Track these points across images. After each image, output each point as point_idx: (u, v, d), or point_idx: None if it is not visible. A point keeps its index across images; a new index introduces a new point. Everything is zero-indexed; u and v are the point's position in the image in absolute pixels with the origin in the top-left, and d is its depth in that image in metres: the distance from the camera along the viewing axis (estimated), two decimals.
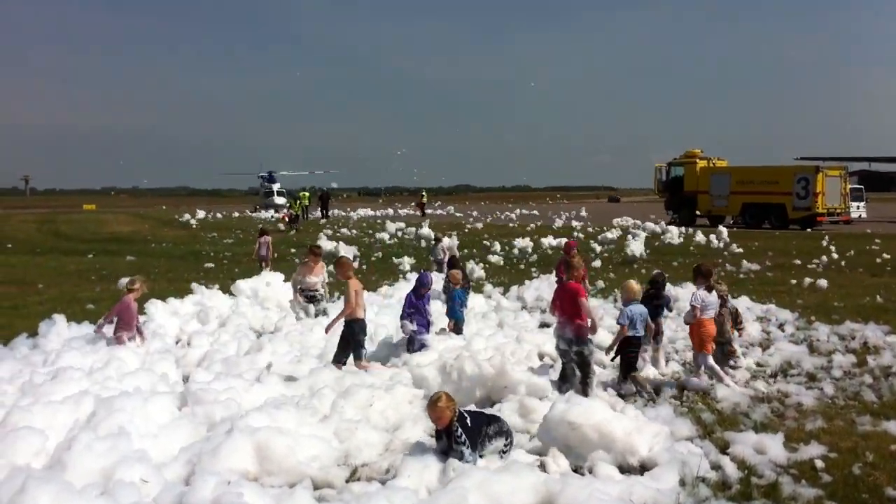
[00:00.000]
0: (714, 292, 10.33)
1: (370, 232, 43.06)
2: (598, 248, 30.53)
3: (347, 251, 26.49)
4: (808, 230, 42.21)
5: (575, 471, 7.10)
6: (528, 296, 16.69)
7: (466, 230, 42.58)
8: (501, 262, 25.62)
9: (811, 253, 27.42)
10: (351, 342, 10.41)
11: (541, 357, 11.16)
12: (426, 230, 37.16)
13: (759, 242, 32.79)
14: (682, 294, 16.07)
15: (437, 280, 17.80)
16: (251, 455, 6.87)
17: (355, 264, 18.30)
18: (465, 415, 7.14)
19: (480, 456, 7.03)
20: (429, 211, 75.98)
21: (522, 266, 24.56)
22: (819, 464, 7.13)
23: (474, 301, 15.06)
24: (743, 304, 15.10)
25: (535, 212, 72.05)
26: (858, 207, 50.47)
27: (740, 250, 29.11)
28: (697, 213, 49.64)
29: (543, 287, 16.87)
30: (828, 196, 44.43)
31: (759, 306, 15.35)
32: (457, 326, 12.35)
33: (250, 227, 53.08)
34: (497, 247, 30.12)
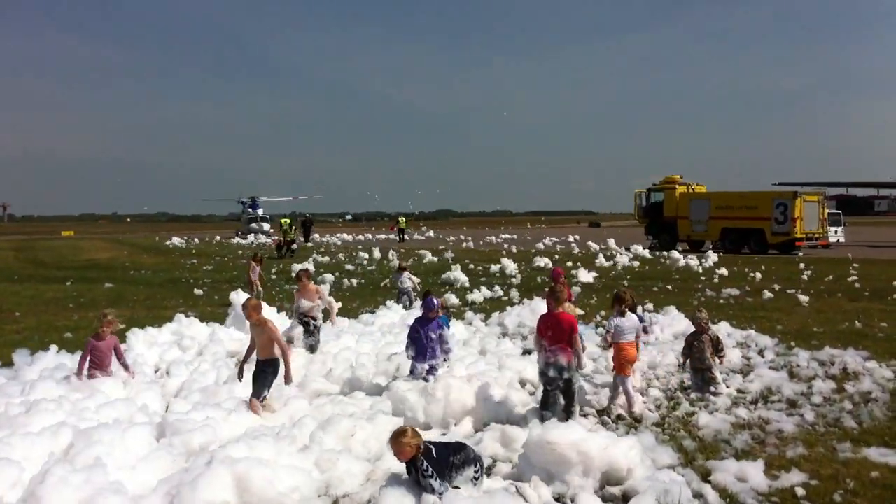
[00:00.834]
0: (631, 315, 10.84)
1: (353, 255, 42.98)
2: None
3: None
4: (788, 254, 42.51)
5: (557, 500, 7.08)
6: (510, 322, 16.68)
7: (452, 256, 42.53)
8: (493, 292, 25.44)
9: (790, 278, 27.60)
10: (260, 380, 9.78)
11: (522, 384, 11.16)
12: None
13: (738, 267, 32.93)
14: (663, 320, 16.16)
15: (401, 310, 17.83)
16: (231, 487, 6.78)
17: (326, 289, 18.30)
18: (431, 447, 7.07)
19: (455, 487, 6.98)
20: (407, 238, 75.86)
21: (504, 292, 24.51)
22: (800, 491, 7.13)
23: (455, 328, 15.04)
24: (723, 329, 15.18)
25: (528, 236, 71.69)
26: (836, 232, 50.86)
27: (724, 272, 29.28)
28: (688, 238, 49.75)
29: (525, 313, 16.88)
30: (806, 221, 44.81)
31: (740, 332, 15.40)
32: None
33: (228, 254, 52.97)
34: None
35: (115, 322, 10.85)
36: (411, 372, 10.74)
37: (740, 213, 46.91)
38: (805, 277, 27.14)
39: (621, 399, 10.21)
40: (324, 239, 75.55)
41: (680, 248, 46.30)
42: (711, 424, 9.30)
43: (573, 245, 54.22)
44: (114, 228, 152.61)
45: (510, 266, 32.09)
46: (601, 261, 37.33)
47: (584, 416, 9.80)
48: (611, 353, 10.71)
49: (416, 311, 13.48)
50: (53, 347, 12.65)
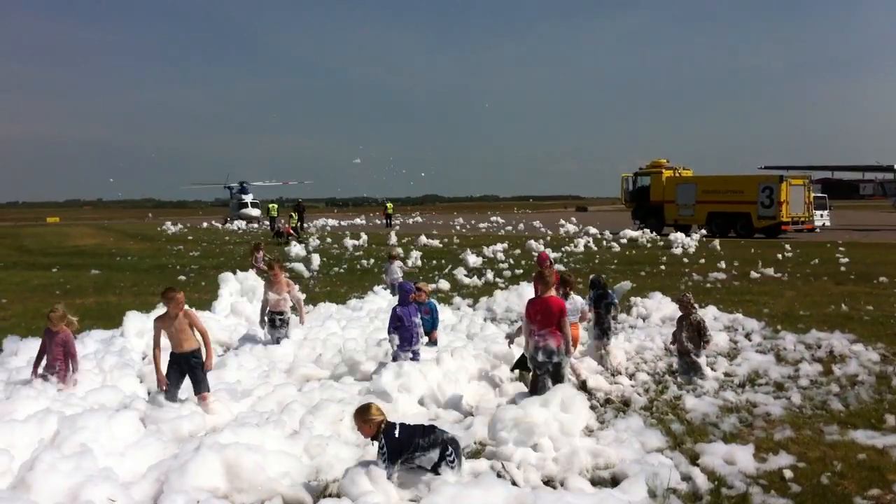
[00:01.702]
0: (575, 297, 11.30)
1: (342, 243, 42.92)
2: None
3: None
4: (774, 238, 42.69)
5: (546, 483, 7.11)
6: (498, 307, 16.71)
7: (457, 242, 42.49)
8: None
9: (776, 262, 27.72)
10: (198, 373, 9.25)
11: (512, 370, 11.18)
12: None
13: (726, 251, 33.05)
14: (650, 304, 16.20)
15: (389, 296, 17.73)
16: (220, 472, 6.76)
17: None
18: (395, 426, 7.06)
19: (419, 467, 6.98)
20: (396, 223, 75.79)
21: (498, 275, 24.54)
22: (788, 474, 7.17)
23: (443, 314, 15.03)
24: (710, 313, 15.23)
25: (538, 222, 71.48)
26: (822, 216, 51.06)
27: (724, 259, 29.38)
28: (675, 222, 49.73)
29: (512, 298, 16.89)
30: (792, 205, 45.02)
31: (727, 316, 15.45)
32: (429, 337, 12.25)
33: (216, 239, 52.80)
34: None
35: (65, 316, 9.79)
36: (394, 359, 10.73)
37: (727, 197, 47.08)
38: (783, 258, 27.23)
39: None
40: (316, 224, 75.44)
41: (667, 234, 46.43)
42: (699, 408, 9.35)
43: (566, 229, 54.26)
44: (99, 214, 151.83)
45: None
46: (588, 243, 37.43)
47: None
48: None
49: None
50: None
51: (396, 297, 12.07)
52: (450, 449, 7.05)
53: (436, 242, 41.83)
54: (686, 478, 7.11)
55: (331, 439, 7.78)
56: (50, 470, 6.42)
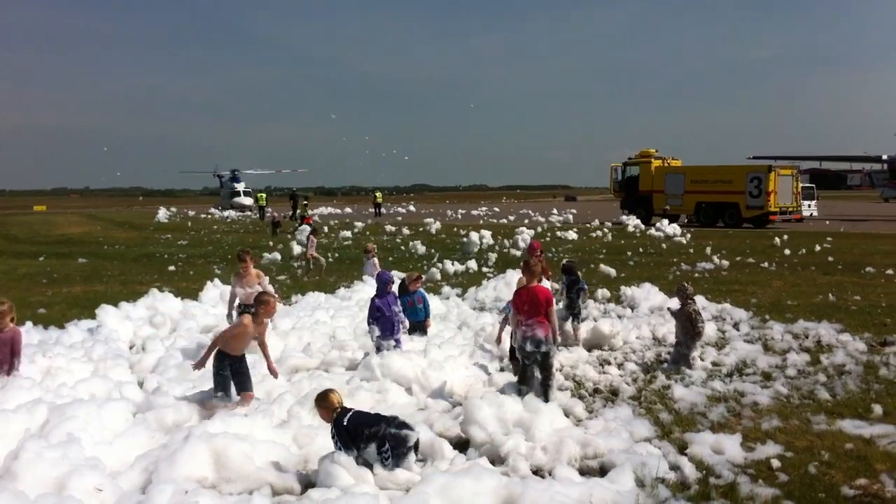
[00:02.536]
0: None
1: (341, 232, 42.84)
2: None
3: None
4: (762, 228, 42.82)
5: (535, 473, 7.11)
6: (486, 296, 16.71)
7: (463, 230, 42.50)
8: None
9: (764, 252, 27.82)
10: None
11: (500, 359, 11.21)
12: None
13: (714, 242, 33.16)
14: (639, 294, 16.23)
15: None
16: (208, 462, 6.75)
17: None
18: (346, 413, 7.17)
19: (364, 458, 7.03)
20: (384, 212, 75.58)
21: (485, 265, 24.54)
22: (776, 463, 7.21)
23: (432, 303, 15.02)
24: (698, 303, 15.23)
25: (531, 211, 71.44)
26: (810, 206, 51.24)
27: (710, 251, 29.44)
28: (664, 212, 49.72)
29: (501, 287, 16.88)
30: (780, 195, 45.11)
31: (715, 305, 15.48)
32: (421, 326, 12.21)
33: (203, 228, 52.61)
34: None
35: (12, 311, 9.22)
36: (377, 350, 10.68)
37: (715, 187, 47.15)
38: (771, 248, 27.31)
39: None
40: (321, 212, 75.30)
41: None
42: (687, 397, 9.38)
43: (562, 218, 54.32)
44: (86, 203, 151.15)
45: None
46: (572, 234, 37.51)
47: (561, 390, 9.83)
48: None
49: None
50: (28, 323, 12.52)
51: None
52: (386, 445, 7.02)
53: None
54: (674, 467, 7.12)
55: (319, 429, 7.76)
56: (36, 459, 6.38)
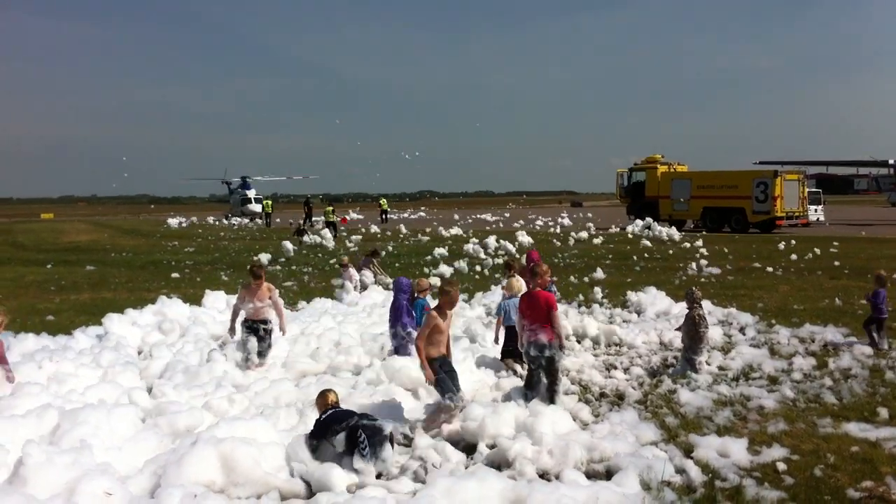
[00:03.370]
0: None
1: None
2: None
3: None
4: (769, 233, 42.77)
5: (541, 476, 7.14)
6: (493, 301, 16.69)
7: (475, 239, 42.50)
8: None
9: (770, 256, 27.78)
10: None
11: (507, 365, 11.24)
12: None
13: (718, 246, 33.13)
14: (644, 299, 16.23)
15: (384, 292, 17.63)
16: (217, 466, 6.79)
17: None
18: (328, 411, 7.54)
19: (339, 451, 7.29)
20: (393, 216, 75.63)
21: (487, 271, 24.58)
22: (781, 466, 7.22)
23: None
24: (704, 307, 15.24)
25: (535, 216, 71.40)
26: (816, 210, 51.09)
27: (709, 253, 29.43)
28: (671, 218, 49.62)
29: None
30: (786, 200, 45.06)
31: (721, 310, 15.50)
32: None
33: (210, 235, 52.70)
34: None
35: (3, 318, 9.21)
36: (398, 351, 10.83)
37: (721, 192, 47.12)
38: (778, 253, 27.26)
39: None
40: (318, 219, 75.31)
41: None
42: (693, 401, 9.39)
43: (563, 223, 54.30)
44: (93, 211, 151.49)
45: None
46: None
47: (567, 394, 9.84)
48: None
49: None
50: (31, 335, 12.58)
51: (392, 293, 12.11)
52: (362, 436, 7.16)
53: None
54: (680, 470, 7.15)
55: None
56: (47, 464, 6.43)
